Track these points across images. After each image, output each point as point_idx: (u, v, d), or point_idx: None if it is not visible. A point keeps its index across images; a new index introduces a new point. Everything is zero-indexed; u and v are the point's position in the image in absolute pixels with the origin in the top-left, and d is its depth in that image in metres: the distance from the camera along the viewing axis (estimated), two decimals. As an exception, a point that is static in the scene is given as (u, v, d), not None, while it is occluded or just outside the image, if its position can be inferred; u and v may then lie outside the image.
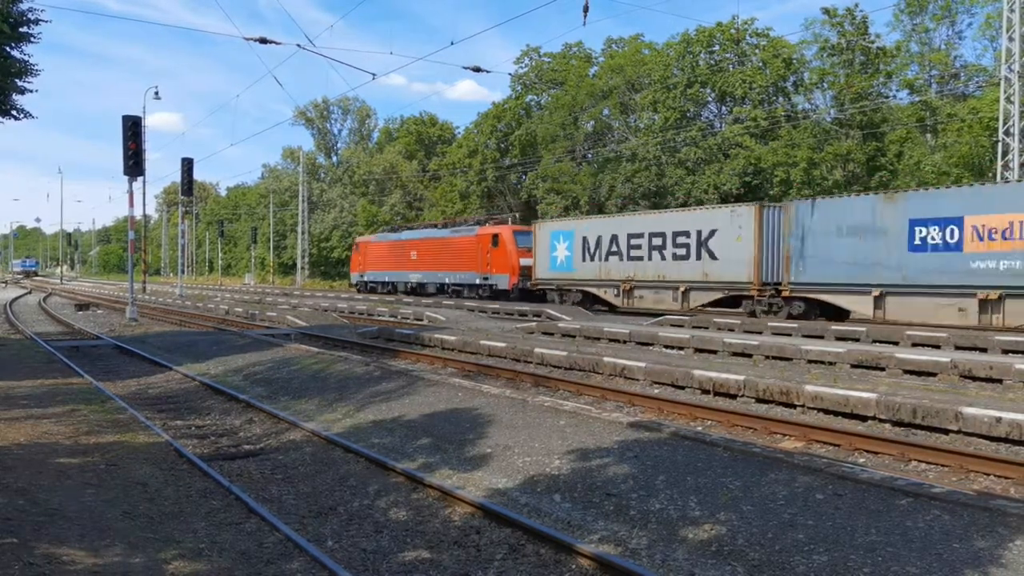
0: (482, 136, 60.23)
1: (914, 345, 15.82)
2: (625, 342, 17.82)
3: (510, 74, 58.36)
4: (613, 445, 7.27)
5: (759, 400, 10.66)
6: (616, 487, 6.30)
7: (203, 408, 10.74)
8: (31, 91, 16.58)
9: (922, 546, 4.80)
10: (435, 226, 40.79)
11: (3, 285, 67.12)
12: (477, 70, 21.65)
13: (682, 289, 24.20)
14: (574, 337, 19.14)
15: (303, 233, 65.64)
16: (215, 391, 11.70)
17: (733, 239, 22.56)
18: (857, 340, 16.83)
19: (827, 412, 9.77)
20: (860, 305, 19.63)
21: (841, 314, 20.74)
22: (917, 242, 18.46)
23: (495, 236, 32.85)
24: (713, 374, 11.47)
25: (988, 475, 7.25)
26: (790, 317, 21.09)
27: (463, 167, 59.30)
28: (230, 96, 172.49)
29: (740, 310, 22.75)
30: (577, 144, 51.68)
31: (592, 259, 27.67)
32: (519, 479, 6.82)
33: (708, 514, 5.64)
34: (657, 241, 25.18)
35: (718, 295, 23.35)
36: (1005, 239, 17.09)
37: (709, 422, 9.63)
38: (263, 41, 18.77)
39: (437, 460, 7.57)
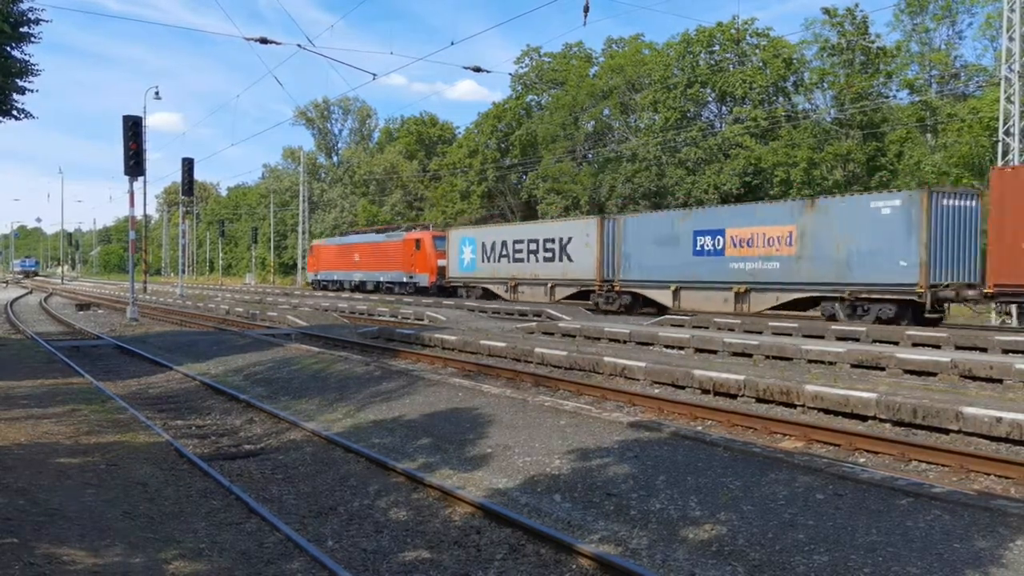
0: (482, 136, 60.22)
1: (914, 345, 15.82)
2: (625, 342, 17.82)
3: (510, 74, 58.37)
4: (613, 445, 7.27)
5: (759, 400, 10.66)
6: (616, 487, 6.30)
7: (203, 408, 10.74)
8: (31, 91, 16.58)
9: (923, 546, 4.80)
10: (375, 231, 46.14)
11: (3, 285, 67.11)
12: (477, 70, 21.66)
13: (550, 285, 29.33)
14: (574, 337, 19.14)
15: (304, 233, 65.64)
16: (215, 391, 11.70)
17: (583, 245, 27.76)
18: (857, 340, 16.83)
19: (827, 412, 9.77)
20: (664, 297, 24.95)
21: (654, 304, 25.80)
22: (698, 248, 23.78)
23: (417, 241, 37.59)
24: (713, 374, 11.47)
25: (989, 475, 7.25)
26: (621, 307, 26.41)
27: (463, 167, 59.29)
28: (230, 96, 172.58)
29: (588, 302, 27.82)
30: (577, 144, 51.67)
31: (488, 261, 32.82)
32: (519, 479, 6.82)
33: (708, 514, 5.64)
34: (533, 247, 30.55)
35: (574, 290, 28.43)
36: (749, 247, 22.29)
37: (709, 422, 9.63)
38: (263, 41, 18.78)
39: (437, 460, 7.57)
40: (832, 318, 19.96)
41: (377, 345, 17.36)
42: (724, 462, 6.55)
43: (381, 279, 40.64)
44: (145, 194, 42.77)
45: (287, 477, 7.30)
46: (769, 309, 21.66)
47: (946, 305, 19.36)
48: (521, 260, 31.17)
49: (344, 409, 9.97)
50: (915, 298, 18.36)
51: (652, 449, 7.04)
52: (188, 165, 32.45)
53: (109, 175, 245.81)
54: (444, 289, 35.99)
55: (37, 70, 16.45)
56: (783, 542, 5.07)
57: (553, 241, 29.46)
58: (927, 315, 18.74)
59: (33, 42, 16.14)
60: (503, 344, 15.97)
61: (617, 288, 26.47)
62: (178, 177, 34.59)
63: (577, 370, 13.78)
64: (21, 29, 15.70)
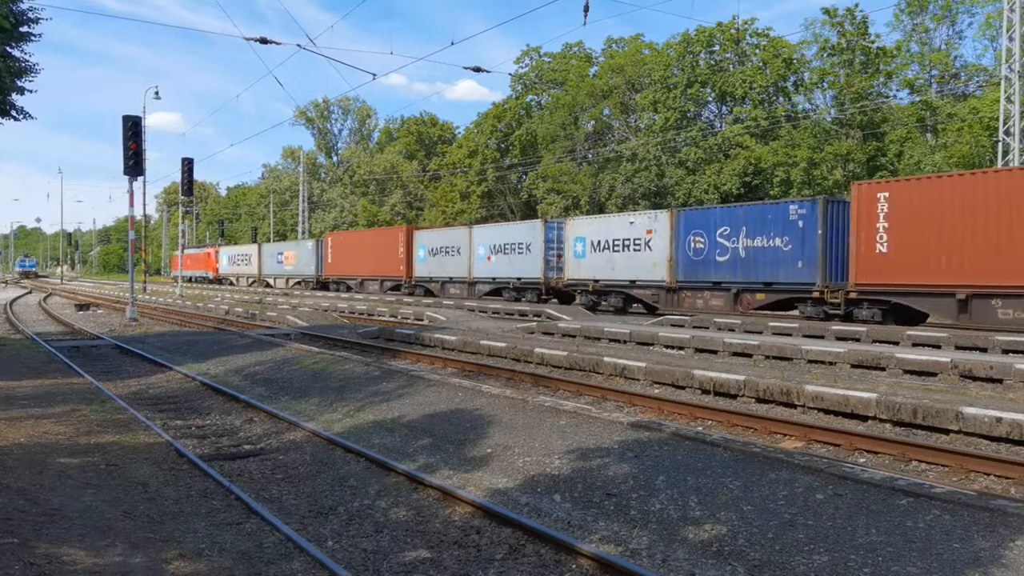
0: (482, 136, 60.23)
1: (914, 345, 15.82)
2: (625, 342, 17.82)
3: (510, 74, 58.44)
4: (613, 445, 7.27)
5: (759, 400, 10.66)
6: (616, 487, 6.30)
7: (203, 408, 10.74)
8: (31, 91, 16.57)
9: (923, 546, 4.80)
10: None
11: (3, 285, 67.09)
12: (477, 70, 21.67)
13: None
14: (574, 337, 19.15)
15: (303, 233, 65.65)
16: (215, 391, 11.70)
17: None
18: (857, 340, 16.84)
19: (827, 412, 9.77)
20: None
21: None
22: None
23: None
24: (713, 374, 11.47)
25: (988, 475, 7.25)
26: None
27: (463, 167, 59.29)
28: (230, 96, 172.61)
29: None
30: (577, 144, 51.67)
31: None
32: (519, 479, 6.82)
33: (708, 514, 5.64)
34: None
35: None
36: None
37: (709, 422, 9.63)
38: (263, 41, 18.79)
39: (437, 460, 7.57)
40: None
41: (377, 345, 17.36)
42: (724, 462, 6.56)
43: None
44: (145, 194, 42.73)
45: (287, 477, 7.30)
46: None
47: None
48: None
49: (344, 409, 9.97)
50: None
51: (652, 449, 7.05)
52: (188, 165, 32.44)
53: (109, 175, 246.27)
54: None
55: (37, 68, 16.45)
56: (783, 542, 5.07)
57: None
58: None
59: (33, 41, 16.14)
60: (503, 344, 15.97)
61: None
62: (178, 177, 34.59)
63: (577, 370, 13.78)
64: (21, 28, 15.69)
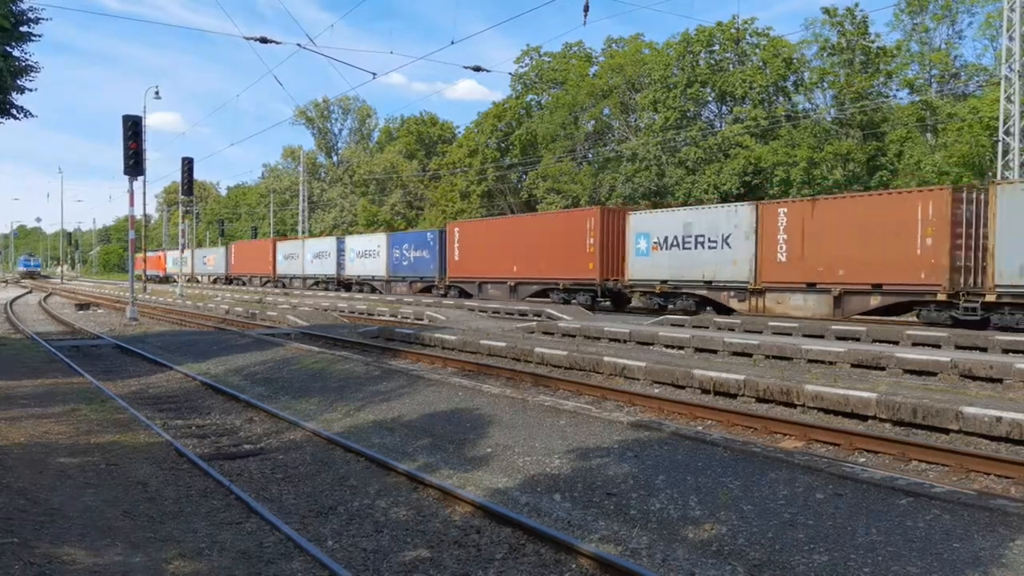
0: (482, 136, 60.21)
1: (914, 345, 15.83)
2: (625, 342, 17.82)
3: (510, 74, 58.40)
4: (613, 445, 7.27)
5: (759, 400, 10.66)
6: (616, 487, 6.30)
7: (203, 408, 10.74)
8: (30, 91, 16.57)
9: (922, 546, 4.80)
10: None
11: (3, 285, 67.08)
12: (477, 69, 21.66)
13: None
14: (574, 337, 19.14)
15: (303, 232, 65.64)
16: (215, 391, 11.70)
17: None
18: (857, 340, 16.84)
19: (827, 412, 9.77)
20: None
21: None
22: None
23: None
24: (713, 374, 11.47)
25: (988, 475, 7.25)
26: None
27: (463, 167, 59.27)
28: (230, 96, 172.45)
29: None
30: (577, 144, 51.66)
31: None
32: (519, 479, 6.82)
33: (708, 513, 5.64)
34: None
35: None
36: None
37: (709, 422, 9.63)
38: (263, 41, 18.79)
39: (437, 460, 7.57)
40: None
41: (377, 345, 17.36)
42: (724, 462, 6.56)
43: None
44: (145, 194, 42.69)
45: (287, 477, 7.30)
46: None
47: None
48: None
49: (344, 409, 9.97)
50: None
51: (652, 449, 7.05)
52: (188, 165, 32.43)
53: (109, 175, 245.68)
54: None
55: (38, 67, 16.45)
56: (783, 542, 5.07)
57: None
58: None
59: (33, 41, 16.13)
60: (503, 344, 15.97)
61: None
62: (178, 177, 34.56)
63: (577, 370, 13.78)
64: (21, 28, 15.69)
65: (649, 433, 7.51)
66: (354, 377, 11.70)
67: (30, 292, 51.90)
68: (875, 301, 19.75)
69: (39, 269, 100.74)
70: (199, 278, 67.61)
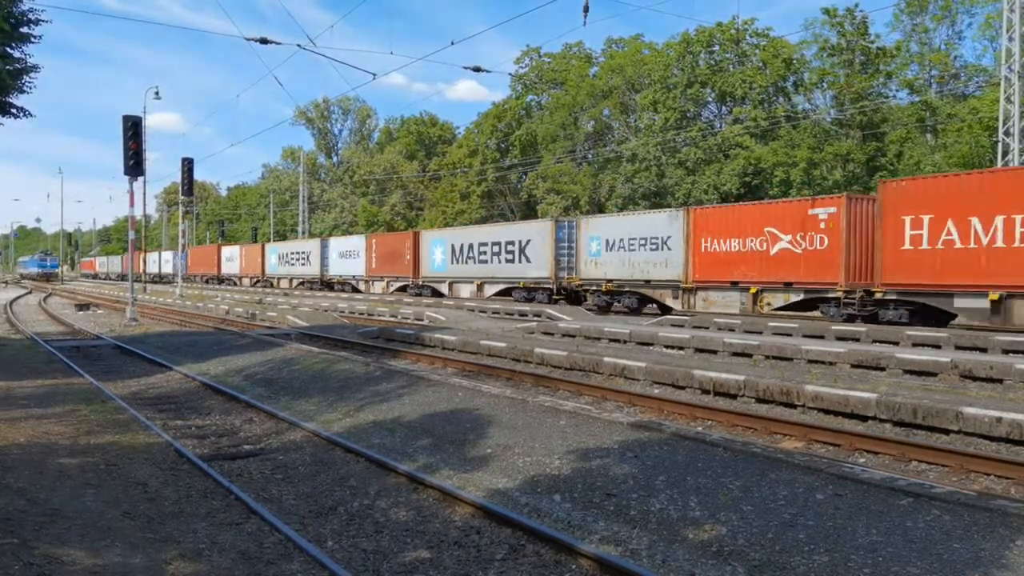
0: (482, 136, 60.22)
1: (914, 345, 15.82)
2: (625, 342, 17.82)
3: (510, 74, 58.42)
4: (613, 445, 7.26)
5: (759, 400, 10.66)
6: (616, 487, 6.30)
7: (203, 408, 10.74)
8: (29, 91, 16.58)
9: (923, 546, 4.80)
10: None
11: (3, 285, 67.03)
12: (477, 70, 21.67)
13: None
14: (574, 337, 19.14)
15: (303, 233, 65.64)
16: (215, 391, 11.70)
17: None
18: (857, 340, 16.83)
19: (827, 412, 9.77)
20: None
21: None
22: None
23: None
24: (713, 374, 11.47)
25: (989, 475, 7.25)
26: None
27: (463, 167, 59.27)
28: (230, 96, 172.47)
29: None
30: (577, 144, 51.66)
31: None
32: (519, 479, 6.82)
33: (708, 514, 5.63)
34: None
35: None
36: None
37: (709, 422, 9.63)
38: (264, 41, 18.79)
39: (437, 460, 7.56)
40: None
41: (377, 345, 17.36)
42: (724, 462, 6.55)
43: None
44: (145, 194, 42.69)
45: (287, 477, 7.29)
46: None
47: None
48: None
49: (344, 409, 9.97)
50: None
51: (652, 449, 7.04)
52: (188, 165, 32.43)
53: (109, 175, 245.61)
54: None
55: (38, 68, 16.45)
56: (783, 542, 5.07)
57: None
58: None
59: (32, 43, 16.14)
60: (503, 344, 15.97)
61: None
62: (178, 177, 34.58)
63: (577, 370, 13.78)
64: (21, 29, 15.69)
65: (649, 434, 7.51)
66: (354, 377, 11.69)
67: (29, 292, 51.91)
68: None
69: (56, 270, 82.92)
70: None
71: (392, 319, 25.67)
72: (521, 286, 30.62)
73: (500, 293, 32.10)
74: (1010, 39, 26.82)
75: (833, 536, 5.06)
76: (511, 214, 57.32)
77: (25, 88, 16.45)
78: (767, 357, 14.59)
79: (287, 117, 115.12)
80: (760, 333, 18.53)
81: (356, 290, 43.13)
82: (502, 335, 18.59)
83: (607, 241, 26.57)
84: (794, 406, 10.18)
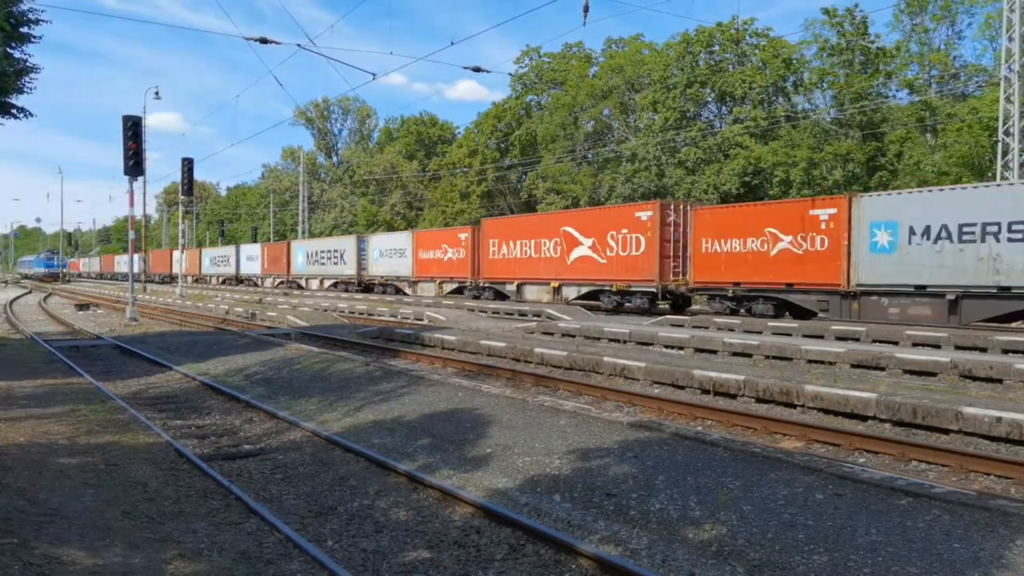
0: (482, 136, 60.21)
1: (914, 345, 15.82)
2: (625, 342, 17.82)
3: (510, 74, 58.41)
4: (613, 445, 7.27)
5: (759, 400, 10.66)
6: (616, 487, 6.30)
7: (203, 408, 10.74)
8: (30, 92, 16.58)
9: (923, 546, 4.80)
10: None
11: (3, 285, 67.01)
12: (477, 70, 21.66)
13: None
14: (574, 337, 19.14)
15: (303, 233, 65.63)
16: (215, 391, 11.70)
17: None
18: (857, 340, 16.83)
19: (827, 412, 9.77)
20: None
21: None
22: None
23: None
24: (713, 374, 11.47)
25: (988, 475, 7.25)
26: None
27: (463, 167, 59.26)
28: (230, 96, 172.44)
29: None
30: (577, 144, 51.65)
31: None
32: (519, 479, 6.82)
33: (708, 514, 5.63)
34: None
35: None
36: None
37: (709, 422, 9.63)
38: (263, 41, 18.78)
39: (437, 460, 7.56)
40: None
41: (377, 345, 17.36)
42: (724, 462, 6.55)
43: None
44: (145, 194, 42.71)
45: (287, 477, 7.29)
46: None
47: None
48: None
49: (344, 409, 9.97)
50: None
51: (652, 449, 7.04)
52: (188, 165, 32.43)
53: (109, 175, 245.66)
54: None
55: (38, 69, 16.45)
56: (783, 542, 5.07)
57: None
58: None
59: (33, 42, 16.14)
60: (503, 344, 15.96)
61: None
62: (178, 177, 34.59)
63: (577, 370, 13.77)
64: (21, 29, 15.70)
65: (649, 433, 7.51)
66: (354, 377, 11.69)
67: (29, 292, 51.91)
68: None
69: (59, 270, 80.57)
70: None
71: (392, 319, 25.67)
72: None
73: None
74: (1010, 39, 26.82)
75: (833, 536, 5.06)
76: (511, 214, 57.26)
77: (25, 88, 16.46)
78: (767, 357, 14.59)
79: (287, 117, 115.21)
80: (760, 333, 18.53)
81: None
82: (502, 335, 18.58)
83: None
84: (794, 406, 10.18)
